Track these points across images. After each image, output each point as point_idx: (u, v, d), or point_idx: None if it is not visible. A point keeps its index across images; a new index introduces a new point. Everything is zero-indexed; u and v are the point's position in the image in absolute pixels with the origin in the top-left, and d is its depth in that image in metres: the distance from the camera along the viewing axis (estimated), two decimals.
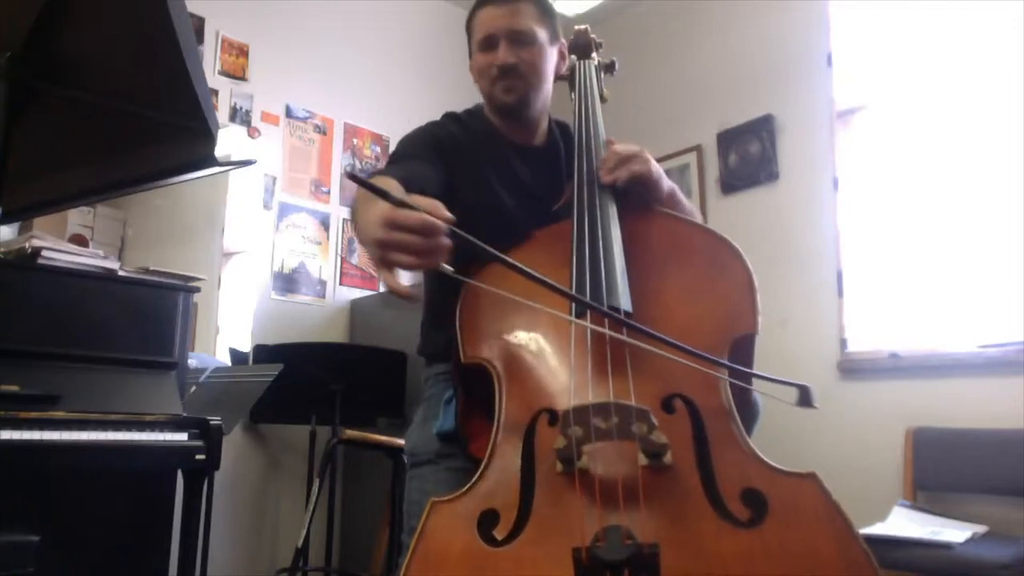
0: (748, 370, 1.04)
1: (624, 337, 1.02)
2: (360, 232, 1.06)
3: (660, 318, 1.09)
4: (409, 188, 1.13)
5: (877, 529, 2.29)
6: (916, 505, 2.55)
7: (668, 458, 0.91)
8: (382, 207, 0.91)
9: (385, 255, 0.90)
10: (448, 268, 0.92)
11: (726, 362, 1.01)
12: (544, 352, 1.10)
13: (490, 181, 1.41)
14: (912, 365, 2.82)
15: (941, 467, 2.63)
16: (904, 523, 2.35)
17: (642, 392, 0.98)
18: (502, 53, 1.38)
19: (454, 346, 1.16)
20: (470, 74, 1.48)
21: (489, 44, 1.40)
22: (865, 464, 2.78)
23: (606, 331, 1.03)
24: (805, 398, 0.95)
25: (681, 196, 1.40)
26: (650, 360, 1.02)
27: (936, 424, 2.69)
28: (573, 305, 1.09)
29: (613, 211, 1.24)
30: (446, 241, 0.90)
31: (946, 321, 2.82)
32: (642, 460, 0.91)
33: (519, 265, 0.94)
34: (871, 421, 2.84)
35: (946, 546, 2.15)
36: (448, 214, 0.92)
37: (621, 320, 1.03)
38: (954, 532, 2.23)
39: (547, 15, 1.43)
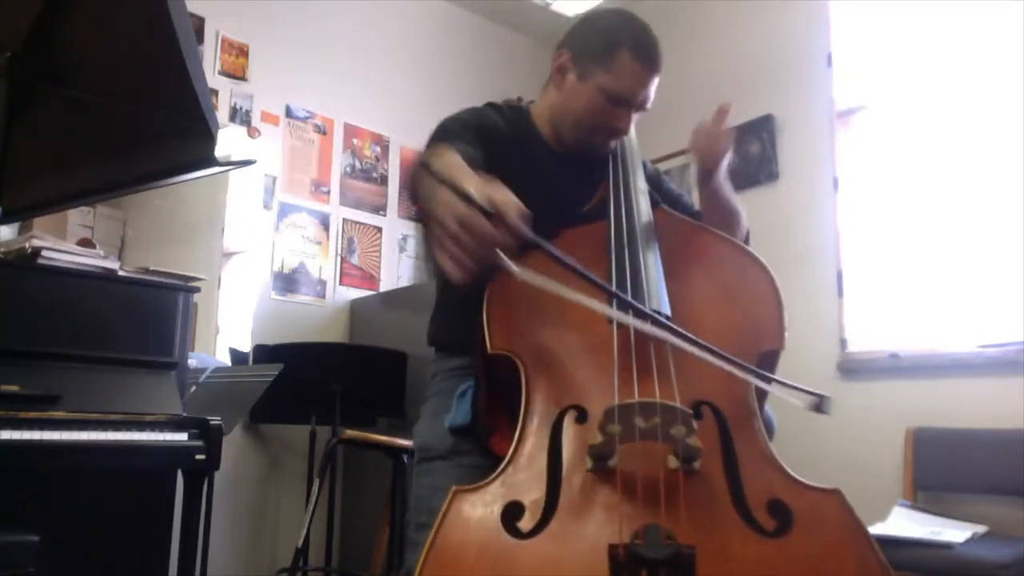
0: (791, 383, 1.03)
1: (665, 335, 1.01)
2: (425, 202, 1.02)
3: (692, 329, 1.08)
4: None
5: (877, 529, 2.29)
6: (916, 505, 2.55)
7: (698, 463, 0.91)
8: (458, 203, 0.91)
9: (443, 243, 0.92)
10: (513, 267, 0.92)
11: (764, 372, 1.02)
12: (576, 348, 1.09)
13: (524, 180, 1.37)
14: (912, 365, 2.82)
15: (941, 467, 2.63)
16: (904, 523, 2.35)
17: (673, 396, 0.98)
18: (627, 121, 1.39)
19: (479, 337, 1.14)
20: (555, 72, 1.42)
21: (622, 102, 1.37)
22: (865, 464, 2.78)
23: (646, 327, 1.01)
24: (820, 405, 0.97)
25: (732, 190, 1.50)
26: (682, 365, 1.02)
27: (936, 424, 2.69)
28: (614, 304, 1.08)
29: (649, 216, 1.25)
30: (499, 252, 0.91)
31: (946, 321, 2.82)
32: (672, 463, 0.91)
33: (585, 272, 0.97)
34: (871, 421, 2.84)
35: (946, 546, 2.15)
36: (523, 208, 0.93)
37: (664, 323, 1.03)
38: (954, 532, 2.23)
39: None
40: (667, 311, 1.10)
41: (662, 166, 3.75)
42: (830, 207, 3.16)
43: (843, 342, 3.05)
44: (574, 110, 1.40)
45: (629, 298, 1.07)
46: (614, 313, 1.05)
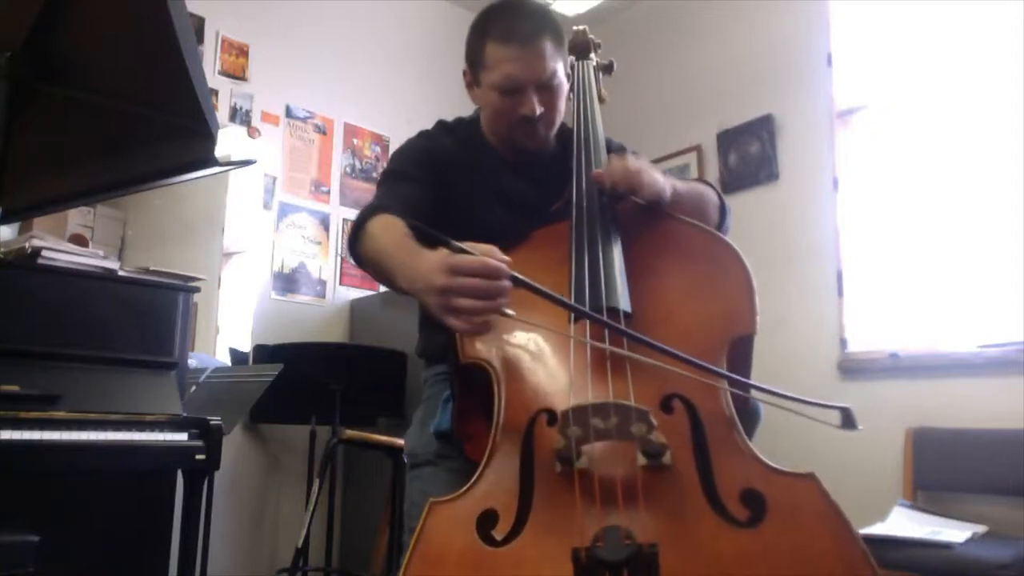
0: (788, 394, 1.00)
1: (624, 352, 1.01)
2: (407, 282, 1.05)
3: (659, 319, 1.09)
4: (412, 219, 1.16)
5: (877, 529, 2.29)
6: (916, 505, 2.55)
7: (667, 458, 0.91)
8: (438, 255, 0.94)
9: (448, 302, 0.93)
10: (510, 312, 0.95)
11: (729, 374, 1.00)
12: (543, 352, 1.09)
13: (481, 195, 1.39)
14: (912, 365, 2.82)
15: (941, 467, 2.63)
16: (904, 523, 2.35)
17: (641, 392, 0.97)
18: (531, 104, 1.29)
19: (452, 346, 1.15)
20: (468, 91, 1.41)
21: (512, 90, 1.30)
22: (865, 464, 2.77)
23: (606, 346, 1.02)
24: (848, 420, 0.94)
25: (683, 188, 1.30)
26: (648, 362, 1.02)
27: (936, 424, 2.69)
28: (571, 313, 1.08)
29: (612, 211, 1.24)
30: (508, 283, 0.93)
31: (946, 321, 2.82)
32: (641, 460, 0.91)
33: (557, 296, 0.97)
34: (871, 421, 2.81)
35: (946, 546, 2.15)
36: (505, 257, 0.94)
37: (622, 331, 1.02)
38: (954, 532, 2.23)
39: (562, 42, 1.35)
40: (626, 308, 1.09)
41: (663, 166, 3.78)
42: (830, 207, 3.16)
43: (843, 342, 3.05)
44: (488, 118, 1.40)
45: (587, 298, 1.08)
46: (571, 328, 1.07)
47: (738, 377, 1.00)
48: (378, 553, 2.95)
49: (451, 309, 0.93)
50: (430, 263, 0.96)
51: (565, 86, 1.36)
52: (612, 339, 1.03)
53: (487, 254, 0.94)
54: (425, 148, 1.41)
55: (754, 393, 1.04)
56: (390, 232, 1.15)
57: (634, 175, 1.19)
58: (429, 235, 0.96)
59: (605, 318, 1.05)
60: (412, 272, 1.02)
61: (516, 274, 0.94)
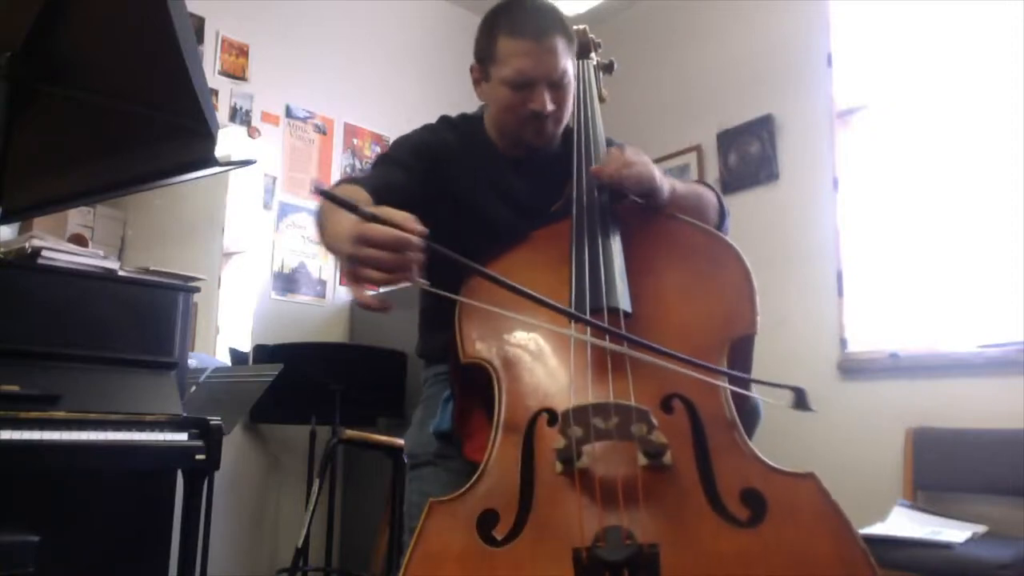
0: (741, 374, 1.03)
1: (624, 349, 1.01)
2: (328, 243, 1.06)
3: (659, 319, 1.09)
4: (380, 198, 1.12)
5: (877, 529, 2.29)
6: (916, 505, 2.55)
7: (667, 458, 0.91)
8: (351, 221, 0.91)
9: (355, 270, 0.90)
10: (423, 282, 0.93)
11: (726, 369, 1.01)
12: (544, 352, 1.09)
13: (482, 192, 1.39)
14: (912, 365, 2.82)
15: (941, 467, 2.63)
16: (904, 523, 2.35)
17: (641, 392, 0.97)
18: (541, 100, 1.29)
19: (452, 346, 1.15)
20: (475, 88, 1.41)
21: (523, 85, 1.30)
22: (865, 464, 2.78)
23: (607, 344, 1.02)
24: (800, 401, 0.94)
25: (682, 189, 1.31)
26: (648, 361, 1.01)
27: (936, 424, 2.69)
28: (572, 307, 1.08)
29: (612, 210, 1.24)
30: (418, 256, 0.90)
31: (946, 321, 2.82)
32: (641, 460, 0.91)
33: (502, 279, 0.95)
34: (871, 421, 2.84)
35: (946, 546, 2.15)
36: (420, 227, 0.91)
37: (621, 335, 1.02)
38: (954, 532, 2.23)
39: (572, 41, 1.35)
40: (626, 307, 1.08)
41: (663, 166, 3.77)
42: (830, 207, 3.16)
43: (843, 342, 3.05)
44: (495, 114, 1.39)
45: (587, 297, 1.07)
46: (573, 328, 1.06)
47: (711, 366, 0.99)
48: (378, 553, 2.95)
49: (357, 277, 0.91)
50: (344, 228, 0.94)
51: (574, 85, 1.37)
52: (609, 336, 1.03)
53: (401, 224, 0.90)
54: (424, 140, 1.40)
55: (730, 381, 1.04)
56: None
57: (628, 166, 1.19)
58: (338, 201, 0.92)
59: (606, 318, 1.05)
60: (331, 234, 1.02)
61: (432, 244, 0.91)
